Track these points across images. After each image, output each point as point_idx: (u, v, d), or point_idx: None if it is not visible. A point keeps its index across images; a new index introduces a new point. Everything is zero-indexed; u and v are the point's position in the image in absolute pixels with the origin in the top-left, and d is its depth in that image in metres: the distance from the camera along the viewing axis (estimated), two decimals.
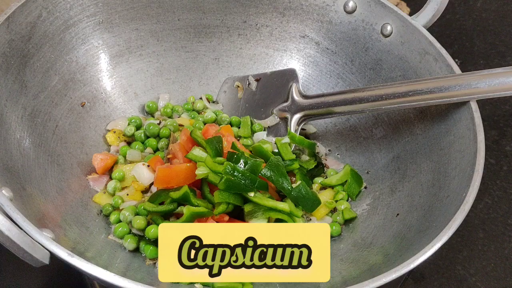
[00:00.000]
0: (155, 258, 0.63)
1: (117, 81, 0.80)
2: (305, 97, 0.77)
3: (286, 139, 0.74)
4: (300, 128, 0.77)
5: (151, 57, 0.83)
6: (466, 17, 1.15)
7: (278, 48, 0.86)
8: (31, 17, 0.68)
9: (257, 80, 0.83)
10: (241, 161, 0.64)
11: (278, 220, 0.64)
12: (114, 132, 0.77)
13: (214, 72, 0.86)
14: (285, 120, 0.78)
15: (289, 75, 0.80)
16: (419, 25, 0.73)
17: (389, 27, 0.76)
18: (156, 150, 0.76)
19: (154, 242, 0.64)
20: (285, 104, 0.78)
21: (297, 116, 0.77)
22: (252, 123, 0.80)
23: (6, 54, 0.64)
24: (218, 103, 0.85)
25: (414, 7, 1.07)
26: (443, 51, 0.70)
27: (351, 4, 0.79)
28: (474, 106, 0.64)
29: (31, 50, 0.68)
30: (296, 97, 0.78)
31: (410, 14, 0.76)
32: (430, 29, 0.74)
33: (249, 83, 0.83)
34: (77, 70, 0.75)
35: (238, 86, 0.84)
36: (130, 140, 0.78)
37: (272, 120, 0.79)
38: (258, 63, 0.87)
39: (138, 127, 0.78)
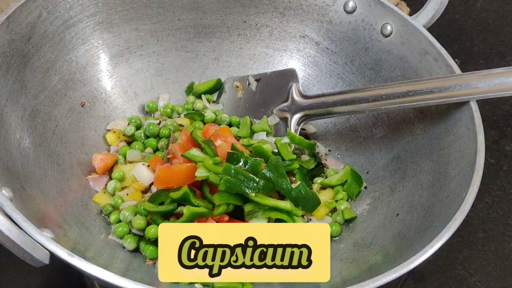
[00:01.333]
0: (155, 258, 0.63)
1: (117, 81, 0.80)
2: (305, 97, 0.77)
3: (286, 139, 0.74)
4: (300, 128, 0.77)
5: (151, 57, 0.83)
6: (466, 17, 1.15)
7: (278, 48, 0.86)
8: (31, 17, 0.68)
9: (257, 80, 0.83)
10: (241, 160, 0.64)
11: (278, 220, 0.64)
12: (114, 132, 0.77)
13: (214, 72, 0.86)
14: (285, 120, 0.78)
15: (289, 75, 0.80)
16: (419, 25, 0.73)
17: (389, 27, 0.76)
18: (156, 150, 0.76)
19: (154, 242, 0.64)
20: (285, 104, 0.78)
21: (297, 116, 0.77)
22: (252, 123, 0.80)
23: (6, 54, 0.64)
24: (218, 103, 0.85)
25: (414, 7, 1.07)
26: (443, 51, 0.70)
27: (351, 4, 0.79)
28: (474, 106, 0.64)
29: (31, 50, 0.68)
30: (296, 97, 0.78)
31: (410, 14, 0.76)
32: (430, 29, 0.74)
33: (249, 83, 0.83)
34: (77, 70, 0.75)
35: (237, 86, 0.84)
36: (130, 140, 0.78)
37: (272, 120, 0.79)
38: (258, 63, 0.86)
39: (138, 127, 0.78)
